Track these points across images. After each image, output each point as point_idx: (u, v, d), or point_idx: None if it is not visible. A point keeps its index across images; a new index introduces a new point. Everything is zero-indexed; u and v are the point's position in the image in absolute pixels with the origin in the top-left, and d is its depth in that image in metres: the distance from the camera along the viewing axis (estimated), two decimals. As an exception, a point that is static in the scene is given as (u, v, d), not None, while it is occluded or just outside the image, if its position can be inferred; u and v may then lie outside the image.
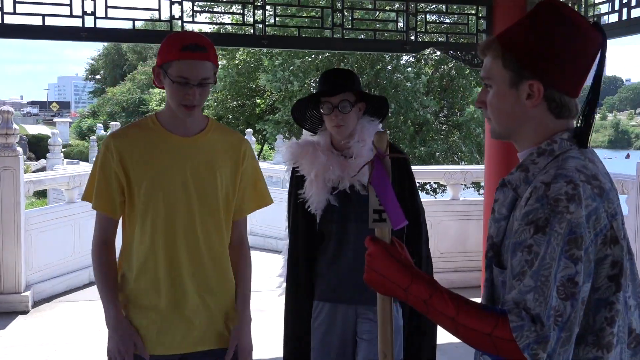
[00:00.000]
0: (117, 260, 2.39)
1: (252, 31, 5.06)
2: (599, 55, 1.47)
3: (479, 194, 18.38)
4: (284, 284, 3.00)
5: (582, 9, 4.94)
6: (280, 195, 7.97)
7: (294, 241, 2.96)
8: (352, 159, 2.76)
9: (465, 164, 19.26)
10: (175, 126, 2.31)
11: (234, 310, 2.41)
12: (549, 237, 1.31)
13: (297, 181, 2.92)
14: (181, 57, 2.14)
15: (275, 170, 10.61)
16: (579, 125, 1.49)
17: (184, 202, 2.28)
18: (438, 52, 19.27)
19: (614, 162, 50.02)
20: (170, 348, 2.31)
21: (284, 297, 2.99)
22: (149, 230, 2.28)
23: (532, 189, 1.37)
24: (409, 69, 20.75)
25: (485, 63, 1.53)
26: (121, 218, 2.39)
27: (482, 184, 18.26)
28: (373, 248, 1.47)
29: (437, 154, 20.74)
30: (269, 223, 9.52)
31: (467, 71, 19.98)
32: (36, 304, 6.64)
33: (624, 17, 4.62)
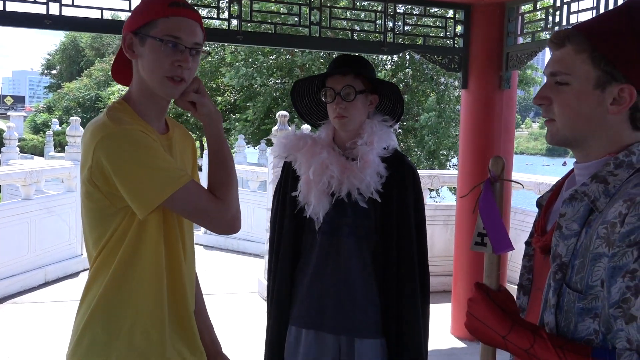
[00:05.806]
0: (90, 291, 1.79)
1: (226, 26, 4.89)
2: None
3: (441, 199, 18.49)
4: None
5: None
6: (242, 197, 7.78)
7: (276, 253, 2.54)
8: (356, 162, 2.36)
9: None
10: (151, 119, 1.79)
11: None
12: None
13: (288, 180, 2.52)
14: (170, 13, 1.71)
15: (238, 170, 10.36)
16: None
17: (176, 219, 1.82)
18: (395, 58, 19.36)
19: (551, 169, 53.53)
20: None
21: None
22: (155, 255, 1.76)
23: (629, 205, 1.20)
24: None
25: (561, 55, 1.36)
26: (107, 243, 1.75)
27: (444, 188, 18.33)
28: (475, 293, 1.41)
29: (391, 157, 20.64)
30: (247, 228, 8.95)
31: (423, 78, 20.09)
32: (-12, 305, 6.32)
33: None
